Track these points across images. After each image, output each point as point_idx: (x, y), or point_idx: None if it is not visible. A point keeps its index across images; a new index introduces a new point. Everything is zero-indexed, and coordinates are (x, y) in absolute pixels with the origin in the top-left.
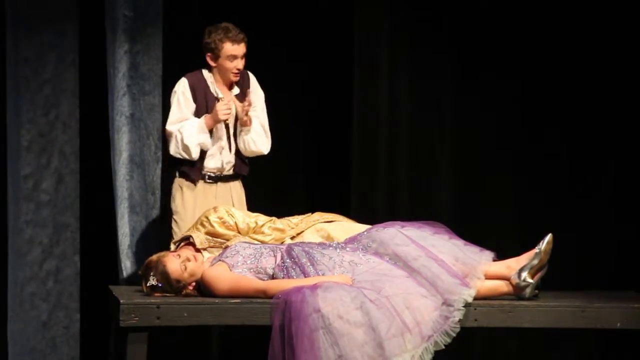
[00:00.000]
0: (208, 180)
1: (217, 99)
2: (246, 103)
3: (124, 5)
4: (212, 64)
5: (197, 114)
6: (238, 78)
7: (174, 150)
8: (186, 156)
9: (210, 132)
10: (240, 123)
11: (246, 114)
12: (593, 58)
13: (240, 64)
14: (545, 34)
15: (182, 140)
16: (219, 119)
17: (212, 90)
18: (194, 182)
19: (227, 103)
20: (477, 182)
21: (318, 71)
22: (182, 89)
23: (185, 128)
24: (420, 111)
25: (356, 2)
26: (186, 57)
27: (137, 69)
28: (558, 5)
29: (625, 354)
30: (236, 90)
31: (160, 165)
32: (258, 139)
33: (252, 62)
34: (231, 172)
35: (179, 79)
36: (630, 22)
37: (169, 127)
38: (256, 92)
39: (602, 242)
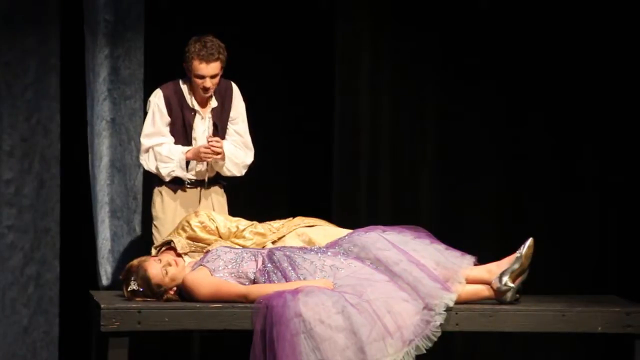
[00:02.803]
0: (188, 186)
1: (194, 111)
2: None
3: (105, 10)
4: (187, 73)
5: (172, 126)
6: (208, 95)
7: (147, 166)
8: (157, 175)
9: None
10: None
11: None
12: (579, 62)
13: (208, 83)
14: (531, 40)
15: (156, 168)
16: (199, 158)
17: (188, 101)
18: (174, 187)
19: (214, 145)
20: (459, 185)
21: (299, 75)
22: (156, 101)
23: (163, 155)
24: (403, 114)
25: (339, 10)
26: (168, 62)
27: (118, 73)
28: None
29: (609, 356)
30: (215, 102)
31: (142, 169)
32: (233, 167)
33: (234, 67)
34: (212, 177)
35: (161, 83)
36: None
37: (143, 139)
38: (238, 104)
39: (583, 246)
